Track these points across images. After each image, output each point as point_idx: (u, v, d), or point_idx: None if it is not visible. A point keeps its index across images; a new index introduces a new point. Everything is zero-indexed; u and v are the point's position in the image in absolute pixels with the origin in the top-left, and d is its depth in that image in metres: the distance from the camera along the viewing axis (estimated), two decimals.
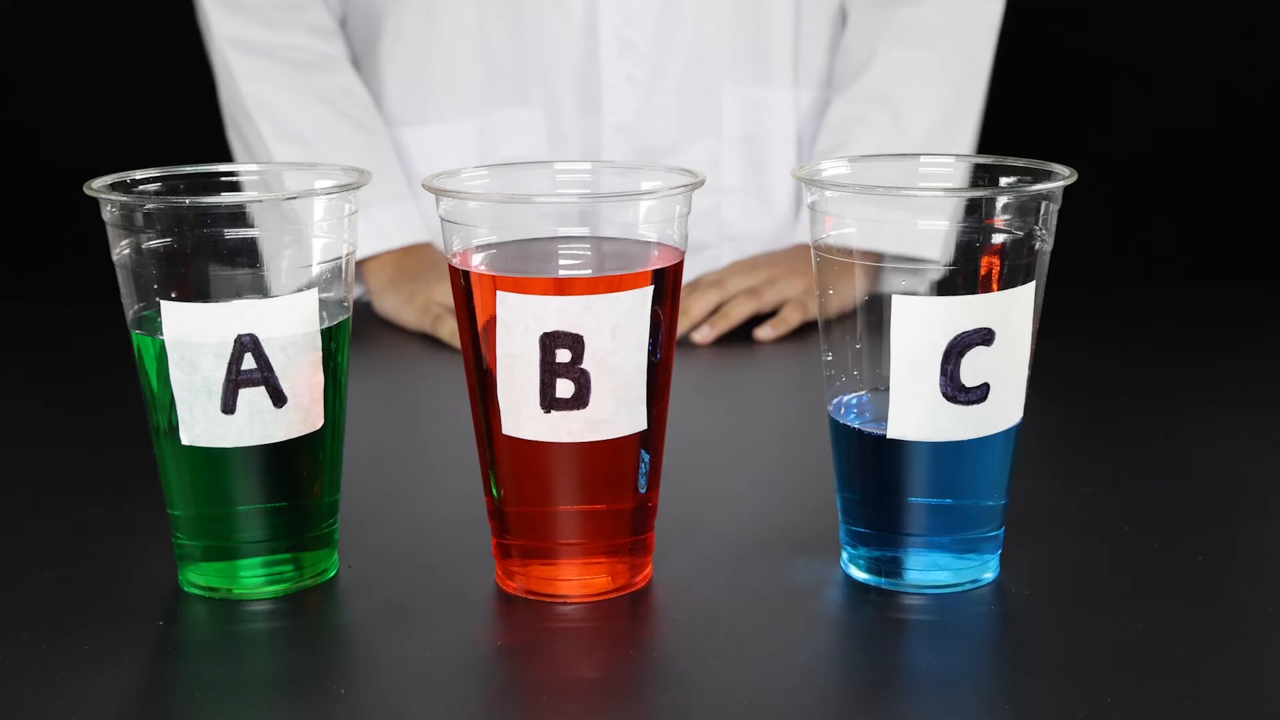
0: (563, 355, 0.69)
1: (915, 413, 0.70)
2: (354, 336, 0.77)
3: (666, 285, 0.71)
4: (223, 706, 0.64)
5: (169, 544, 0.76)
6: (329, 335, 0.73)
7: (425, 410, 1.09)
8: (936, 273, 0.72)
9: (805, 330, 1.24)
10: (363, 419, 0.90)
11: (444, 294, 1.23)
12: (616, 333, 0.69)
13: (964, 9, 1.41)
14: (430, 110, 1.43)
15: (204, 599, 0.74)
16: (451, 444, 0.92)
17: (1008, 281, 0.71)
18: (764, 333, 1.23)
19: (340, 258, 0.75)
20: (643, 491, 0.74)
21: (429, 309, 1.24)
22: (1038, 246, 0.72)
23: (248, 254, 0.73)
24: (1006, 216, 0.71)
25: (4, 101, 1.87)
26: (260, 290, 0.73)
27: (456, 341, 1.14)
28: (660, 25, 1.41)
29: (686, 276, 1.24)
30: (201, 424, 0.71)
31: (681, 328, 1.21)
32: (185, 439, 0.71)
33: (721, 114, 1.45)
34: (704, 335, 1.22)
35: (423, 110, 1.43)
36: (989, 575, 0.75)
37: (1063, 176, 0.72)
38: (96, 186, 0.73)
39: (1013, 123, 1.63)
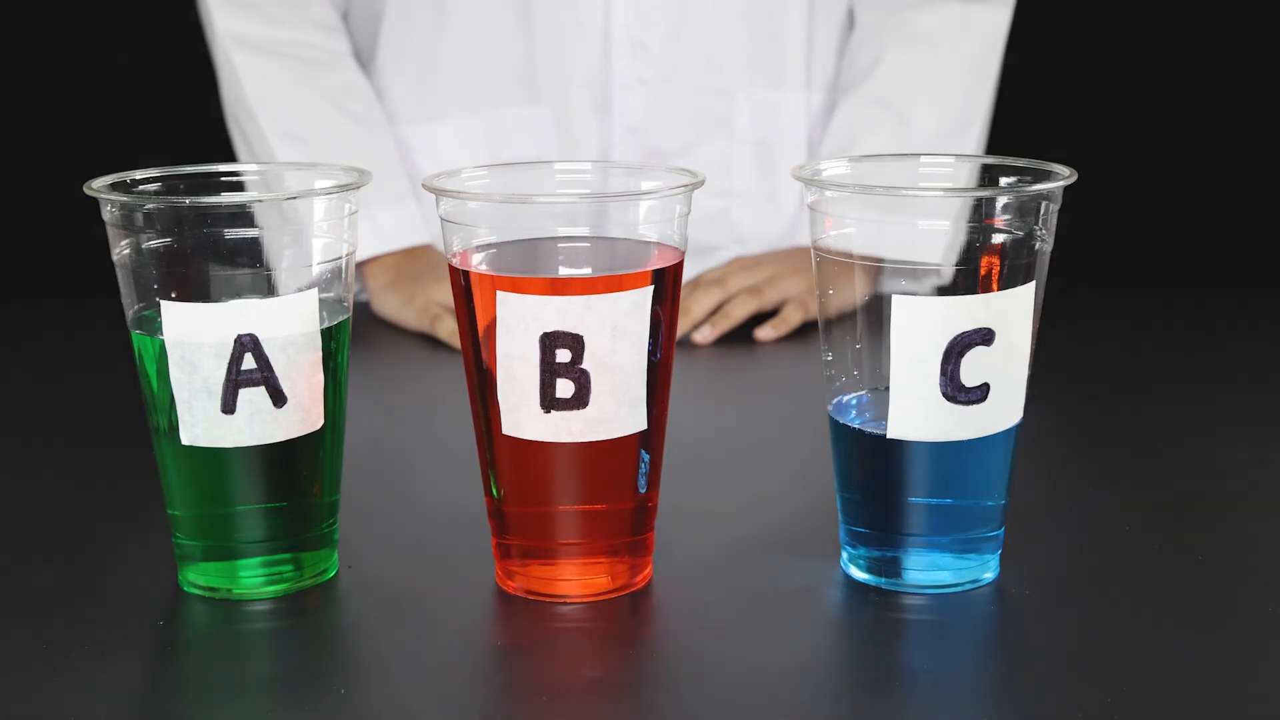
0: (563, 355, 0.69)
1: (915, 413, 0.70)
2: (354, 336, 0.77)
3: (666, 285, 0.71)
4: (223, 706, 0.64)
5: (169, 544, 0.76)
6: (329, 335, 0.73)
7: (425, 410, 1.09)
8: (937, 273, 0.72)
9: (805, 330, 1.23)
10: (363, 419, 0.90)
11: (444, 294, 1.23)
12: (616, 333, 0.69)
13: (972, 15, 1.40)
14: (439, 109, 1.42)
15: (204, 599, 0.74)
16: (451, 444, 0.92)
17: (1008, 281, 0.71)
18: (764, 333, 1.23)
19: (340, 258, 0.75)
20: (643, 491, 0.74)
21: (429, 309, 1.24)
22: (1038, 246, 0.72)
23: (248, 254, 0.73)
24: (1006, 216, 0.71)
25: (4, 101, 1.87)
26: (260, 290, 0.73)
27: (456, 341, 1.14)
28: (673, 27, 1.40)
29: (690, 277, 1.24)
30: (201, 424, 0.71)
31: (682, 327, 1.20)
32: (185, 439, 0.71)
33: (733, 116, 1.44)
34: (705, 335, 1.21)
35: (431, 108, 1.42)
36: (989, 575, 0.75)
37: (1063, 176, 0.72)
38: (96, 186, 0.73)
39: (1013, 123, 1.63)
